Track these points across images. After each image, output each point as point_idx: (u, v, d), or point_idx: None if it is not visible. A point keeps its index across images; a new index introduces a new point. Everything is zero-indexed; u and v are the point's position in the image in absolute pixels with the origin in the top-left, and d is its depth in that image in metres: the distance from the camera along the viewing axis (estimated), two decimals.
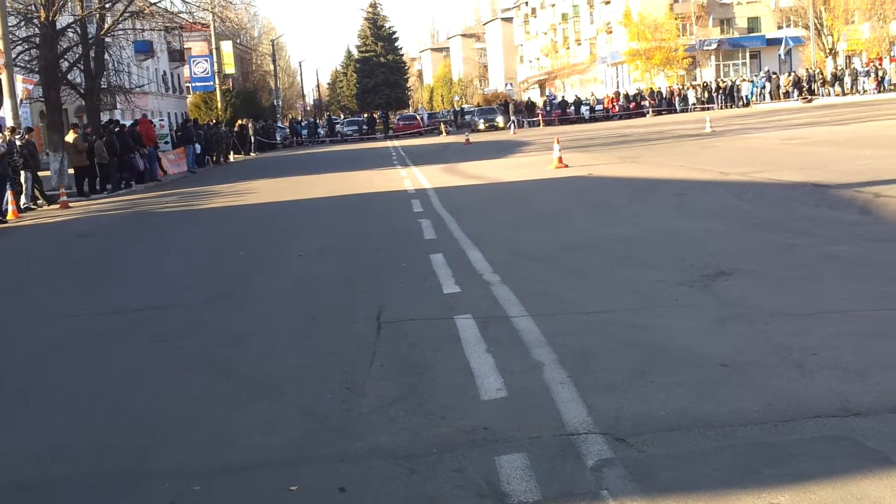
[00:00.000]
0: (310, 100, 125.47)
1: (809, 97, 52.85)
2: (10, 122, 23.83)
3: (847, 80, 55.17)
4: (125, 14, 30.99)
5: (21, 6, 27.85)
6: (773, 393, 4.56)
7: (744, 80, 62.45)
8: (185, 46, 66.97)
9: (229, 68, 65.64)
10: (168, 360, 6.33)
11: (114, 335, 7.39)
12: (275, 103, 79.25)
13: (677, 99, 59.91)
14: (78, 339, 7.43)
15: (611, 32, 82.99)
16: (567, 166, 19.81)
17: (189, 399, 5.38)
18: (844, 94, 53.48)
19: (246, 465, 4.25)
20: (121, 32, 31.84)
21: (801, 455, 3.82)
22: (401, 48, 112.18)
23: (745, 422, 4.22)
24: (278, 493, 3.92)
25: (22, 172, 21.81)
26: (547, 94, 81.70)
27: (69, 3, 29.43)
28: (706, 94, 59.53)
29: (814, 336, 5.48)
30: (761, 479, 3.63)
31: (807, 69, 59.40)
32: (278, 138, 59.37)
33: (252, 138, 50.48)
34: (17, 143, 21.97)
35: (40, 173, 23.38)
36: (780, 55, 64.85)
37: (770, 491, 3.53)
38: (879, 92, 51.00)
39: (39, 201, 22.56)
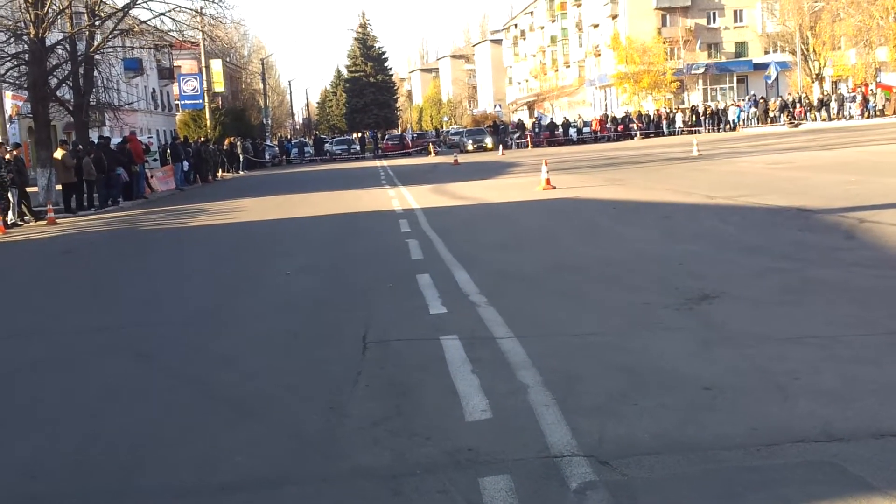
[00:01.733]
0: (299, 119, 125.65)
1: (796, 122, 53.21)
2: None
3: (833, 105, 55.60)
4: (115, 32, 31.01)
5: (10, 23, 27.87)
6: (756, 417, 4.57)
7: (731, 104, 62.89)
8: (175, 64, 66.97)
9: (219, 86, 65.86)
10: (151, 379, 6.30)
11: (97, 353, 7.36)
12: (264, 122, 79.31)
13: (665, 122, 60.29)
14: (61, 356, 7.39)
15: (599, 55, 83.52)
16: (555, 188, 19.87)
17: (172, 418, 5.35)
18: (831, 119, 53.88)
19: (228, 485, 4.24)
20: (110, 50, 31.85)
21: (783, 480, 3.82)
22: (390, 68, 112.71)
23: (728, 446, 4.23)
24: None
25: (10, 189, 21.79)
26: (536, 115, 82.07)
27: (59, 21, 29.44)
28: (693, 118, 59.97)
29: (797, 360, 5.50)
30: None
31: (789, 93, 59.83)
32: (267, 157, 59.41)
33: (241, 156, 50.55)
34: (6, 158, 21.94)
35: (28, 189, 23.36)
36: (765, 79, 65.38)
37: None
38: (865, 118, 51.35)
39: (27, 217, 22.52)
